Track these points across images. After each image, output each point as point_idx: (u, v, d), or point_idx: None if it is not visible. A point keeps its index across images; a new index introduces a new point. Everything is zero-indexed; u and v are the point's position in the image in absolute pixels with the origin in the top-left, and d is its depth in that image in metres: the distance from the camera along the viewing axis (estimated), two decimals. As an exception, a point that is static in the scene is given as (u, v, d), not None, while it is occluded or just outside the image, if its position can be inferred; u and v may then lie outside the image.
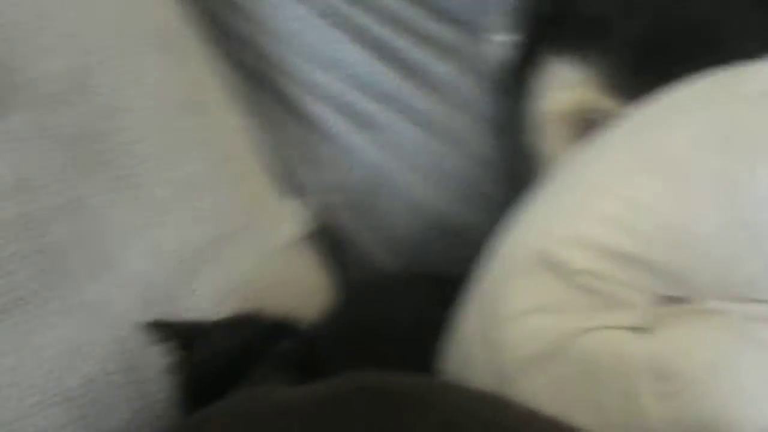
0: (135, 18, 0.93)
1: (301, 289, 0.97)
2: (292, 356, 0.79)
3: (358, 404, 0.62)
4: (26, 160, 0.82)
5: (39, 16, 0.87)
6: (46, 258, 0.80)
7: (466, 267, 0.91)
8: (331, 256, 1.06)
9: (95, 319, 0.81)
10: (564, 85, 1.05)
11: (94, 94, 0.87)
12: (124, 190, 0.86)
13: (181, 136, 0.92)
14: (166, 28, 0.96)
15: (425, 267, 1.10)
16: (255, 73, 1.11)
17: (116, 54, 0.90)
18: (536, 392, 0.80)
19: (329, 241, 1.07)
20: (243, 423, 0.69)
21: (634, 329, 0.81)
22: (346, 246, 1.11)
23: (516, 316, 0.82)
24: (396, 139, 1.13)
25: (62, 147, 0.83)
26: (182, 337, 0.81)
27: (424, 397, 0.66)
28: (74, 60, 0.87)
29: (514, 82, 1.10)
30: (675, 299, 0.81)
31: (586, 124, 0.97)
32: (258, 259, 0.94)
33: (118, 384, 0.81)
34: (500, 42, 1.13)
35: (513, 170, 1.02)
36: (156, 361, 0.83)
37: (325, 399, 0.65)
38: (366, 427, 0.59)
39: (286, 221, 0.99)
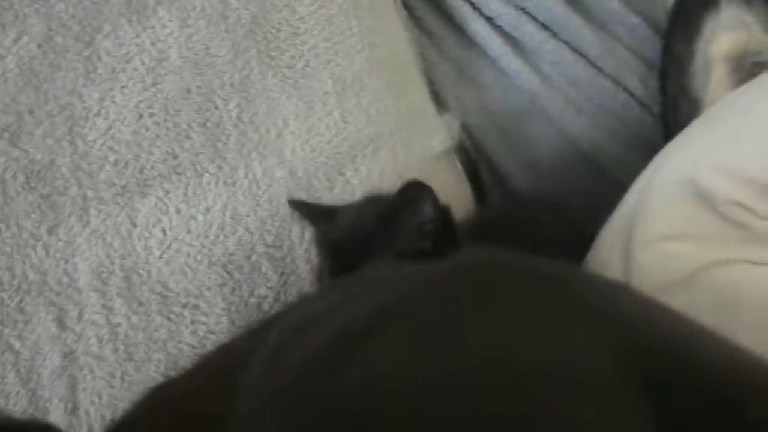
0: None
1: (444, 199, 0.90)
2: (429, 227, 0.79)
3: (472, 277, 0.58)
4: (200, 38, 0.84)
5: None
6: (206, 133, 0.82)
7: (609, 204, 0.90)
8: (471, 174, 1.05)
9: (247, 194, 0.83)
10: (734, 27, 1.03)
11: None
12: (291, 79, 0.87)
13: (348, 37, 0.92)
14: None
15: (565, 198, 1.09)
16: None
17: None
18: None
19: (469, 160, 1.06)
20: (369, 284, 0.68)
21: None
22: (486, 167, 1.11)
23: (656, 241, 0.83)
24: (556, 70, 1.12)
25: (237, 30, 0.85)
26: (320, 214, 0.82)
27: (545, 273, 0.61)
28: None
29: (685, 24, 1.09)
30: None
31: (752, 70, 0.96)
32: (407, 164, 0.93)
33: (268, 253, 0.82)
34: None
35: (673, 114, 1.02)
36: (300, 236, 0.85)
37: (443, 271, 0.62)
38: (475, 301, 0.55)
39: (438, 133, 0.98)
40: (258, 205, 0.83)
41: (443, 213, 0.81)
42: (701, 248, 0.82)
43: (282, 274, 0.83)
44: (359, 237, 0.77)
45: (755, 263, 0.81)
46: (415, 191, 0.78)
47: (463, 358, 0.48)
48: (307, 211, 0.83)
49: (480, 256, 0.66)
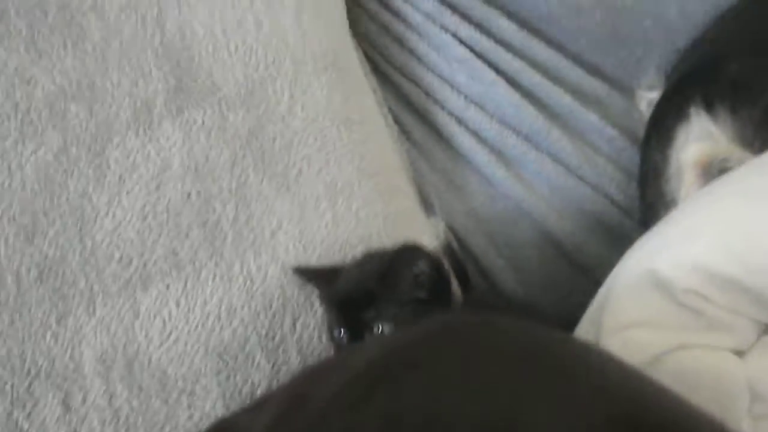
0: (310, 42, 0.95)
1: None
2: (424, 279, 0.83)
3: (441, 340, 0.62)
4: (201, 149, 0.86)
5: (223, 31, 0.91)
6: (205, 232, 0.85)
7: (588, 300, 0.91)
8: (458, 273, 1.03)
9: (242, 288, 0.85)
10: (702, 138, 1.06)
11: (267, 102, 0.90)
12: (283, 186, 0.89)
13: (338, 147, 0.94)
14: (336, 54, 0.99)
15: (550, 297, 1.11)
16: (411, 102, 1.14)
17: (290, 70, 0.93)
18: None
19: (456, 259, 1.07)
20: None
21: (734, 351, 0.82)
22: (474, 267, 1.12)
23: (621, 328, 0.84)
24: (538, 178, 1.14)
25: (235, 142, 0.88)
26: (323, 275, 0.85)
27: (507, 331, 0.64)
28: (253, 70, 0.91)
29: (660, 135, 1.11)
30: None
31: (719, 175, 0.98)
32: None
33: (261, 343, 0.84)
34: (649, 98, 1.15)
35: (651, 216, 1.03)
36: (291, 328, 0.86)
37: (417, 335, 0.66)
38: (447, 361, 0.58)
39: (424, 234, 0.99)
40: (252, 298, 0.85)
41: (436, 265, 0.85)
42: (662, 335, 0.83)
43: (274, 363, 0.85)
44: (363, 290, 0.80)
45: (712, 347, 0.82)
46: (410, 248, 0.82)
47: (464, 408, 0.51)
48: (312, 274, 0.86)
49: (482, 318, 0.69)
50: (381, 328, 0.79)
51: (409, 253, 0.83)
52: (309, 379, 0.64)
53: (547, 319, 1.02)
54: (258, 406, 0.74)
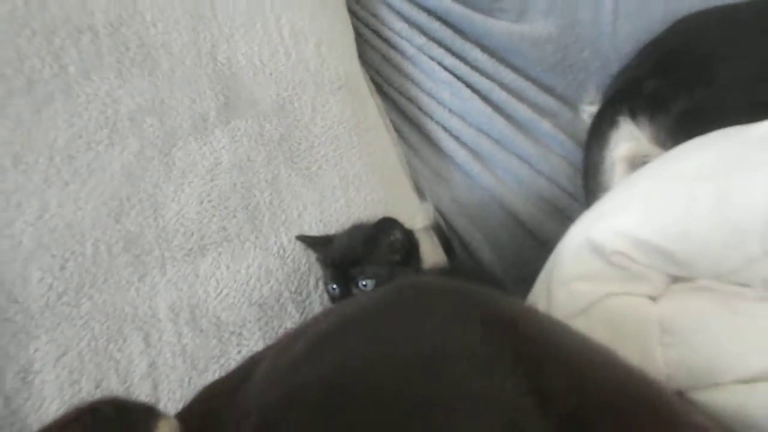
0: (327, 68, 0.96)
1: (425, 264, 0.96)
2: (398, 245, 0.84)
3: (401, 297, 0.62)
4: (244, 150, 0.87)
5: (260, 61, 0.92)
6: (247, 213, 0.85)
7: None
8: (445, 247, 1.07)
9: (276, 256, 0.86)
10: (629, 139, 1.07)
11: (294, 114, 0.91)
12: (307, 178, 0.90)
13: (350, 148, 0.95)
14: (348, 78, 0.99)
15: (517, 264, 1.11)
16: (406, 114, 1.15)
17: (312, 90, 0.93)
18: None
19: (444, 236, 1.08)
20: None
21: (649, 297, 0.83)
22: (458, 242, 1.12)
23: (565, 282, 0.86)
24: (507, 173, 1.16)
25: (270, 144, 0.88)
26: (320, 241, 0.86)
27: (457, 291, 0.63)
28: (284, 90, 0.91)
29: (597, 138, 1.12)
30: (680, 278, 0.83)
31: (640, 166, 0.98)
32: None
33: (292, 297, 0.85)
34: (589, 111, 1.16)
35: (591, 198, 1.03)
36: (315, 286, 0.88)
37: (379, 295, 0.67)
38: (403, 315, 0.58)
39: (418, 215, 1.00)
40: (284, 263, 0.87)
41: (409, 236, 0.86)
42: (596, 286, 0.84)
43: (302, 312, 0.87)
44: (350, 253, 0.82)
45: (633, 294, 0.83)
46: (388, 220, 0.83)
47: (390, 348, 0.52)
48: (310, 241, 0.87)
49: (410, 280, 0.71)
50: (365, 283, 0.81)
51: (386, 224, 0.84)
52: (293, 335, 0.64)
53: (498, 282, 1.05)
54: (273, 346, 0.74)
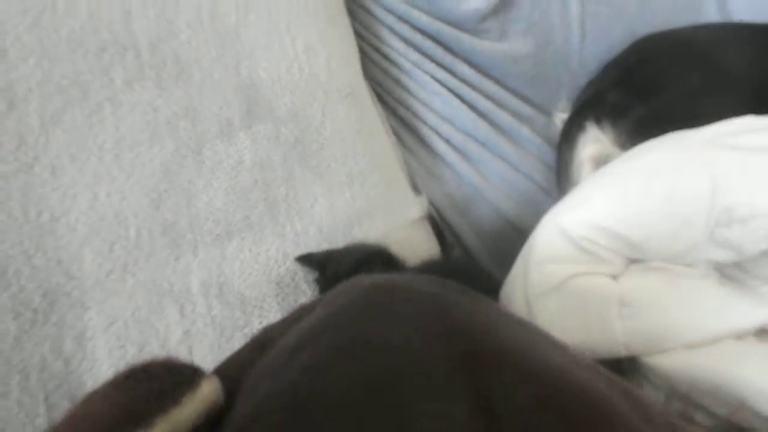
0: (335, 80, 0.96)
1: (418, 252, 0.97)
2: (378, 263, 0.85)
3: (356, 294, 0.60)
4: (264, 150, 0.88)
5: (278, 74, 0.92)
6: (267, 204, 0.86)
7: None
8: (438, 236, 1.07)
9: (292, 241, 0.87)
10: (594, 141, 1.09)
11: (307, 120, 0.92)
12: (318, 175, 0.90)
13: (355, 150, 0.95)
14: (353, 88, 0.99)
15: (500, 250, 1.12)
16: (404, 120, 1.16)
17: (322, 99, 0.93)
18: (548, 312, 0.84)
19: (437, 226, 1.09)
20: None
21: (610, 276, 0.84)
22: (449, 232, 1.13)
23: (539, 264, 0.86)
24: (488, 171, 1.16)
25: (285, 146, 0.89)
26: (317, 260, 0.86)
27: (405, 288, 0.61)
28: (298, 99, 0.92)
29: (567, 141, 1.14)
30: (636, 260, 0.84)
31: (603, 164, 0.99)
32: (394, 226, 0.97)
33: (305, 277, 0.86)
34: (561, 117, 1.18)
35: (562, 193, 1.02)
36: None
37: (339, 291, 0.67)
38: (355, 309, 0.56)
39: (414, 208, 1.01)
40: (298, 247, 0.88)
41: (386, 255, 0.86)
42: (566, 267, 0.85)
43: (313, 289, 0.87)
44: (344, 272, 0.80)
45: (597, 274, 0.84)
46: (376, 250, 0.85)
47: (355, 361, 0.48)
48: (308, 259, 0.87)
49: (381, 283, 0.68)
50: None
51: (375, 253, 0.85)
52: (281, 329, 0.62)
53: (483, 269, 1.07)
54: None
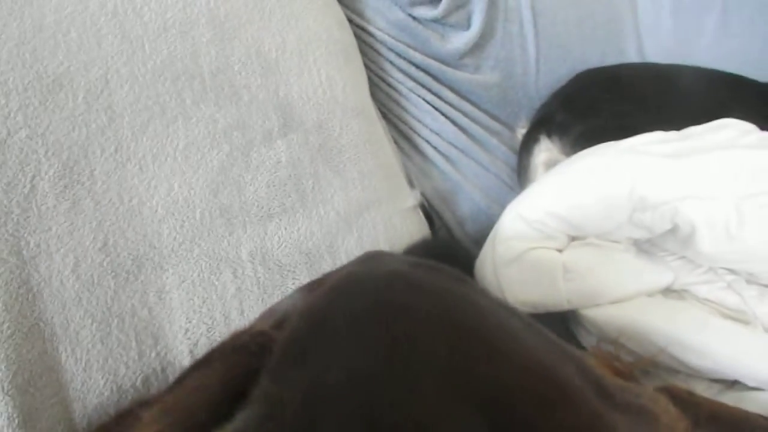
0: (350, 100, 0.96)
1: (413, 232, 0.98)
2: None
3: (343, 282, 0.57)
4: (295, 154, 0.88)
5: (307, 95, 0.91)
6: (298, 194, 0.86)
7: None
8: (429, 222, 1.08)
9: (317, 222, 0.87)
10: (546, 150, 1.12)
11: (328, 131, 0.93)
12: (337, 172, 0.91)
13: (365, 152, 0.95)
14: (363, 107, 0.99)
15: (477, 233, 1.14)
16: (402, 132, 1.17)
17: (339, 115, 0.94)
18: (511, 277, 0.86)
19: (428, 214, 1.09)
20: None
21: (557, 249, 0.87)
22: (438, 219, 1.15)
23: (503, 241, 0.88)
24: (467, 171, 1.18)
25: (312, 150, 0.89)
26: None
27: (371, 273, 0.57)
28: (322, 115, 0.92)
29: (526, 149, 1.16)
30: (576, 237, 0.87)
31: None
32: (394, 212, 0.96)
33: (328, 251, 0.87)
34: (522, 131, 1.21)
35: (522, 189, 1.02)
36: (342, 241, 0.89)
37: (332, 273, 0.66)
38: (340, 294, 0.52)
39: (409, 198, 1.01)
40: (322, 226, 0.89)
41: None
42: (523, 243, 0.87)
43: (334, 261, 0.89)
44: None
45: (547, 248, 0.87)
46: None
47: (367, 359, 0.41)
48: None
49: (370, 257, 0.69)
50: None
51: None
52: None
53: (464, 248, 1.08)
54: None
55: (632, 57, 1.35)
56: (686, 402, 0.45)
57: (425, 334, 0.42)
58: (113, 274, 0.74)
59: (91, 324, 0.71)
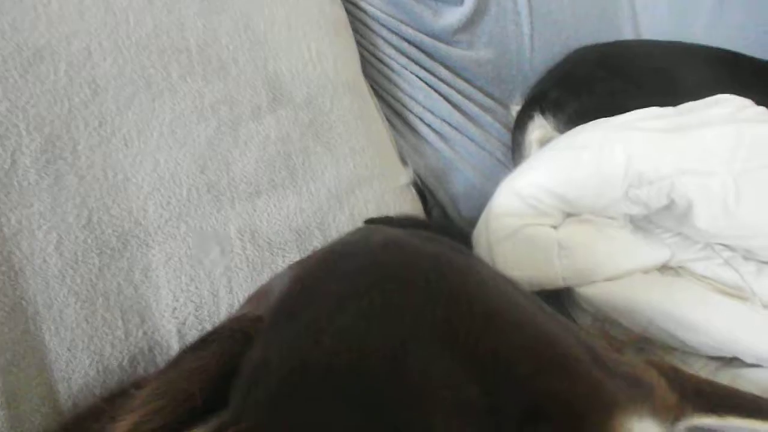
0: (341, 76, 0.95)
1: (405, 210, 0.98)
2: None
3: (336, 246, 0.59)
4: (285, 129, 0.87)
5: (297, 71, 0.91)
6: (288, 170, 0.86)
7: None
8: (422, 199, 1.07)
9: (308, 199, 0.86)
10: (540, 127, 1.11)
11: (319, 107, 0.91)
12: (327, 148, 0.90)
13: (357, 129, 0.94)
14: (355, 83, 0.99)
15: (471, 210, 1.13)
16: (394, 109, 1.16)
17: (331, 90, 0.93)
18: (505, 254, 0.85)
19: (421, 191, 1.09)
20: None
21: (551, 226, 0.86)
22: (431, 197, 1.14)
23: (497, 217, 0.88)
24: (462, 149, 1.17)
25: (302, 126, 0.88)
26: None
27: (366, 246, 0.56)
28: (312, 90, 0.91)
29: (520, 127, 1.16)
30: (571, 213, 0.86)
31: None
32: (387, 189, 0.95)
33: (318, 228, 0.86)
34: (516, 108, 1.20)
35: (516, 165, 1.03)
36: (333, 218, 0.89)
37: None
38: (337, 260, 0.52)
39: (403, 175, 1.01)
40: (312, 203, 0.87)
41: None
42: (517, 219, 0.86)
43: (324, 237, 0.87)
44: None
45: (541, 225, 0.86)
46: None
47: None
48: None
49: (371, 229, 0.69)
50: None
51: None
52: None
53: (457, 226, 1.08)
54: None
55: (628, 34, 1.34)
56: (672, 377, 0.44)
57: (419, 294, 0.41)
58: (98, 251, 0.73)
59: (76, 303, 0.70)
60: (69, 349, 0.68)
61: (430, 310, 0.40)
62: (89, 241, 0.72)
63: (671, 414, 0.40)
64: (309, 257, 0.73)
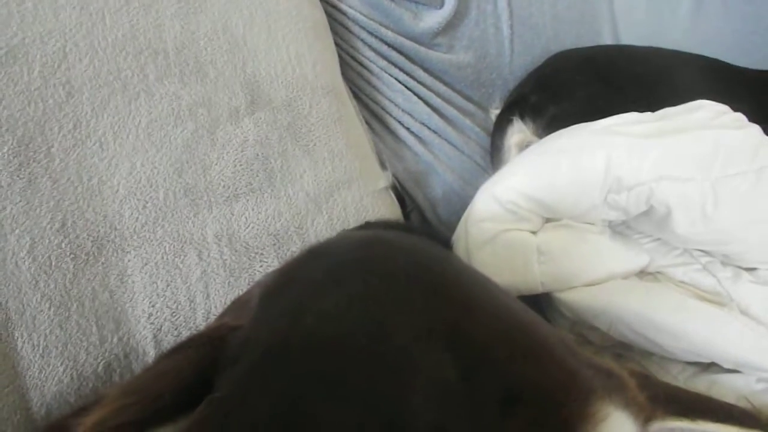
0: (320, 78, 0.95)
1: (385, 214, 0.97)
2: None
3: (322, 242, 0.60)
4: (263, 132, 0.86)
5: (276, 73, 0.90)
6: (266, 173, 0.85)
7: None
8: (400, 203, 1.07)
9: (285, 203, 0.86)
10: (519, 132, 1.12)
11: (297, 109, 0.91)
12: (306, 152, 0.89)
13: (336, 134, 0.94)
14: (334, 85, 0.98)
15: (449, 214, 1.13)
16: (373, 112, 1.16)
17: (309, 93, 0.93)
18: (484, 259, 0.85)
19: (399, 195, 1.08)
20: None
21: (531, 231, 0.86)
22: (409, 200, 1.14)
23: (476, 222, 0.88)
24: (441, 152, 1.17)
25: (281, 129, 0.88)
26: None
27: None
28: (291, 93, 0.91)
29: (499, 131, 1.16)
30: (550, 219, 0.87)
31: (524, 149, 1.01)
32: (366, 193, 0.94)
33: (296, 232, 0.85)
34: (495, 112, 1.20)
35: (495, 171, 1.02)
36: (311, 223, 0.88)
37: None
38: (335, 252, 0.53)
39: (381, 179, 1.00)
40: (290, 207, 0.87)
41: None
42: (496, 224, 0.87)
43: (302, 241, 0.87)
44: None
45: (520, 230, 0.87)
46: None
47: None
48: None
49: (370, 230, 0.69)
50: None
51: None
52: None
53: (435, 228, 1.09)
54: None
55: (607, 39, 1.36)
56: (642, 381, 0.44)
57: (399, 283, 0.42)
58: (72, 256, 0.72)
59: (49, 308, 0.69)
60: (42, 356, 0.67)
61: (410, 296, 0.41)
62: (63, 245, 0.71)
63: (642, 413, 0.40)
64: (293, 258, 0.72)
